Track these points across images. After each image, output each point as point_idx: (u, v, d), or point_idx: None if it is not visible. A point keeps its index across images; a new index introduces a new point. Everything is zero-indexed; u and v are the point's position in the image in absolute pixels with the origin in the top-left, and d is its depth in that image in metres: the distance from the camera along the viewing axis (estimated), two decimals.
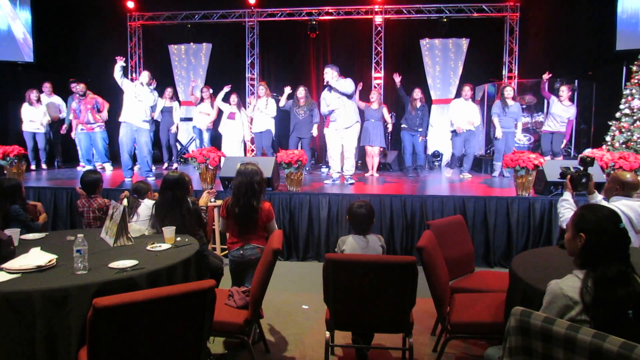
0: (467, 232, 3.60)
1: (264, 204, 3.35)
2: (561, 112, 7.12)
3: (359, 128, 6.61)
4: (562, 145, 7.55)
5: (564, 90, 7.10)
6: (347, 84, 6.10)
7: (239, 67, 10.27)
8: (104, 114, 7.67)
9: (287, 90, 7.52)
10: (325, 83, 6.15)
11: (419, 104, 7.37)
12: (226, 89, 7.84)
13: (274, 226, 3.38)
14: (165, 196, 3.28)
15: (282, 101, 7.56)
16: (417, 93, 7.42)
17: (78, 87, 7.62)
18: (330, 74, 6.07)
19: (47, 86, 8.22)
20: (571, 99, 7.28)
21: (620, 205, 2.93)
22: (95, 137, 7.69)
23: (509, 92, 7.23)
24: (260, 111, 7.60)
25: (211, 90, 8.17)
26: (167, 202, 3.26)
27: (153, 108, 6.89)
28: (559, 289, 1.69)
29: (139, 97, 6.57)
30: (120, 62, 6.22)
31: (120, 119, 6.64)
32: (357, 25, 10.06)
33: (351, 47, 10.37)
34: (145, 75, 6.73)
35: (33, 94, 7.69)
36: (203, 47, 10.55)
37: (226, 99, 7.94)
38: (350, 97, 6.23)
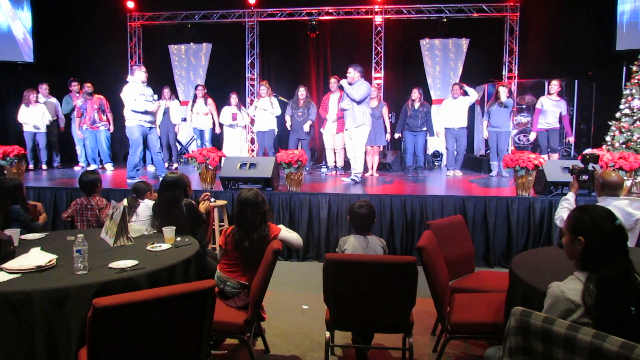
0: (467, 232, 3.60)
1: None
2: (551, 107, 7.15)
3: (368, 130, 6.42)
4: (568, 139, 7.58)
5: (554, 85, 7.12)
6: (356, 92, 6.07)
7: (239, 67, 10.26)
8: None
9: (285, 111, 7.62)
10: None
11: (417, 105, 7.38)
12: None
13: (284, 235, 2.96)
14: (162, 197, 3.31)
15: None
16: (415, 93, 7.44)
17: (87, 87, 7.65)
18: (351, 74, 6.11)
19: (43, 87, 8.14)
20: (560, 95, 7.29)
21: (608, 206, 2.94)
22: (99, 137, 7.66)
23: (503, 91, 7.25)
24: (265, 110, 7.61)
25: (205, 90, 8.15)
26: (163, 203, 3.28)
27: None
28: (560, 292, 1.67)
29: (146, 97, 6.31)
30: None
31: (130, 123, 6.31)
32: (357, 25, 10.06)
33: (351, 47, 10.37)
34: (143, 74, 6.32)
35: (32, 95, 7.65)
36: (203, 47, 10.54)
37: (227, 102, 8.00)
38: (358, 103, 6.14)
